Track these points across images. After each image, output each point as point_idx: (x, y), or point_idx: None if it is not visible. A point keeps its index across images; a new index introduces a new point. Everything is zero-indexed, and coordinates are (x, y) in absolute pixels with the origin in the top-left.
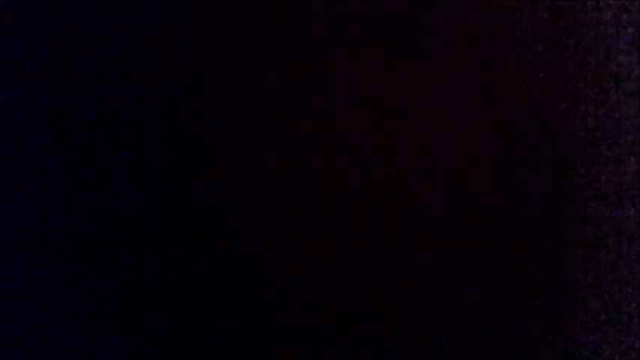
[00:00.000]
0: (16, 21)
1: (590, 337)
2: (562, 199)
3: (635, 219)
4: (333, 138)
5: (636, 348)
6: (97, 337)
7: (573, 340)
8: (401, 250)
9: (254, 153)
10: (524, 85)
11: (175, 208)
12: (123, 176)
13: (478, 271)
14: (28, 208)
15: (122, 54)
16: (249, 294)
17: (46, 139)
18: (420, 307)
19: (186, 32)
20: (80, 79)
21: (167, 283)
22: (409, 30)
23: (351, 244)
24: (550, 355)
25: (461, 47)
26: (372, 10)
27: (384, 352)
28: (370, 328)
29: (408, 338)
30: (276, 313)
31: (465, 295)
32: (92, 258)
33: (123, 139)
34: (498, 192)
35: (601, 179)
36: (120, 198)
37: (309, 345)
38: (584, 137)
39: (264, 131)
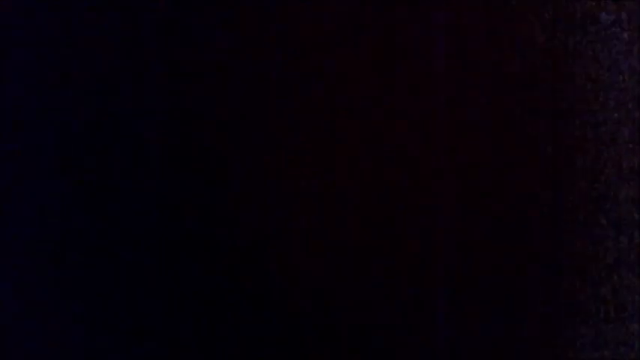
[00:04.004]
0: (16, 21)
1: (590, 337)
2: (562, 199)
3: (636, 219)
4: (333, 138)
5: (636, 347)
6: (97, 336)
7: (573, 339)
8: (401, 249)
9: (254, 154)
10: (524, 85)
11: (175, 208)
12: (123, 176)
13: (478, 271)
14: (28, 208)
15: (122, 54)
16: (250, 293)
17: (46, 139)
18: (420, 307)
19: (187, 32)
20: (80, 79)
21: (167, 283)
22: (409, 30)
23: (352, 244)
24: (550, 355)
25: (461, 47)
26: (371, 10)
27: (384, 352)
28: (370, 327)
29: (407, 339)
30: (276, 314)
31: (465, 295)
32: (92, 258)
33: (123, 139)
34: (498, 192)
35: (601, 179)
36: (120, 198)
37: (309, 345)
38: (584, 137)
39: (264, 132)
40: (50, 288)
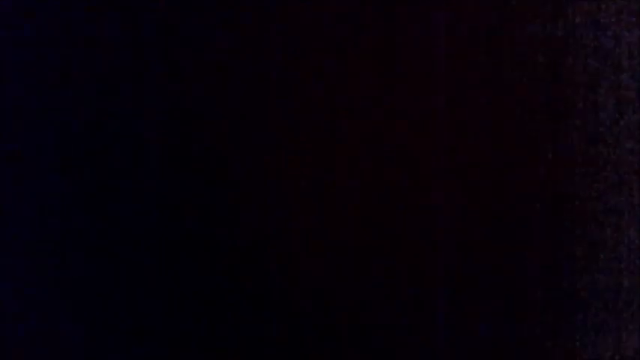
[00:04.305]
0: (16, 21)
1: (590, 337)
2: (562, 199)
3: (635, 219)
4: (333, 138)
5: (636, 348)
6: (97, 336)
7: (573, 340)
8: (401, 249)
9: (254, 154)
10: (524, 85)
11: (175, 208)
12: (123, 176)
13: (478, 271)
14: (28, 208)
15: (122, 54)
16: (249, 293)
17: (46, 139)
18: (420, 307)
19: (187, 32)
20: (80, 79)
21: (167, 283)
22: (409, 30)
23: (352, 244)
24: (550, 355)
25: (461, 47)
26: (371, 10)
27: (384, 352)
28: (370, 327)
29: (407, 339)
30: (276, 314)
31: (465, 295)
32: (92, 258)
33: (123, 139)
34: (498, 192)
35: (601, 179)
36: (120, 198)
37: (309, 345)
38: (584, 137)
39: (264, 132)
40: (50, 288)
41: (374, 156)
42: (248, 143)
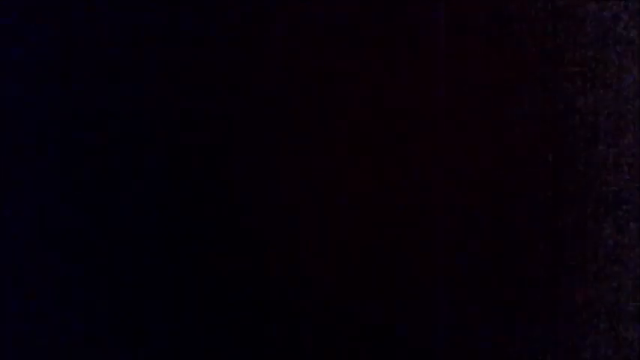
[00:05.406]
0: (16, 21)
1: (590, 337)
2: (562, 199)
3: (635, 219)
4: (333, 138)
5: (636, 348)
6: (97, 336)
7: (573, 340)
8: (401, 250)
9: (254, 154)
10: (525, 84)
11: (176, 208)
12: (123, 176)
13: (478, 271)
14: (28, 208)
15: (122, 54)
16: (249, 293)
17: (46, 139)
18: (420, 307)
19: (187, 32)
20: (80, 79)
21: (167, 284)
22: (409, 30)
23: (351, 244)
24: (550, 355)
25: (461, 47)
26: (372, 9)
27: (384, 352)
28: (370, 327)
29: (407, 339)
30: (276, 314)
31: (465, 295)
32: (92, 258)
33: (123, 139)
34: (498, 192)
35: (601, 179)
36: (120, 198)
37: (309, 345)
38: (584, 137)
39: (264, 132)
40: (50, 288)
41: (374, 156)
42: (248, 143)
